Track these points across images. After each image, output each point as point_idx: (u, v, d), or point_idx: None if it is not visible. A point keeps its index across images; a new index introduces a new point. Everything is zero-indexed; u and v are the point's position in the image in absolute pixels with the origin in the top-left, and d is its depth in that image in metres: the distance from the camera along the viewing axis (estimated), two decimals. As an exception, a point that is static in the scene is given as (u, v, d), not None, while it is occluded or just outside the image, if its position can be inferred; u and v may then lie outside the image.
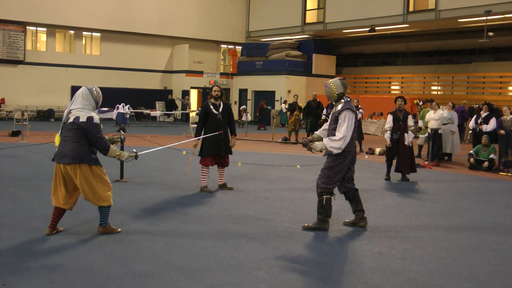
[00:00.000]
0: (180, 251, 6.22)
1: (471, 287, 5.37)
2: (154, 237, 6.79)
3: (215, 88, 10.20)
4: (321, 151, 7.35)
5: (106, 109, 29.17)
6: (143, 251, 6.16)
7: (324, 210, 7.35)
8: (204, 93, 35.09)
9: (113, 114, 27.72)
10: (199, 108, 10.45)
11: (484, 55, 30.96)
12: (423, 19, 28.48)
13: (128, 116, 28.13)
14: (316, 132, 7.86)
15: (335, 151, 7.18)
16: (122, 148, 10.28)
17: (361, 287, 5.24)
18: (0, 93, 31.05)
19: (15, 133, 19.85)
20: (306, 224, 7.51)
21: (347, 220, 7.84)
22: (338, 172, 7.32)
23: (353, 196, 7.65)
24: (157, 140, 18.23)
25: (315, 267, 5.86)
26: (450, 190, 11.49)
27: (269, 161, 13.90)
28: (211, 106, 10.04)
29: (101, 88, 7.20)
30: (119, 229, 6.95)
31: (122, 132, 7.20)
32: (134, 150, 6.97)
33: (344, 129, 7.13)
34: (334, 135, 7.22)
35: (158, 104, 34.93)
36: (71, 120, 6.48)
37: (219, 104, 10.11)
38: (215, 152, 9.97)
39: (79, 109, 6.49)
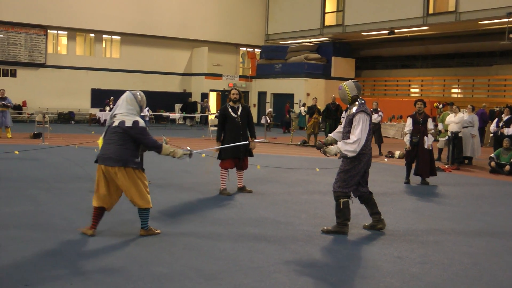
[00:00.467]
0: (199, 253, 6.24)
1: (492, 292, 5.32)
2: (173, 239, 6.82)
3: (233, 91, 10.20)
4: (335, 155, 7.33)
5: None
6: (162, 253, 6.19)
7: (343, 214, 7.31)
8: (223, 95, 35.19)
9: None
10: (218, 111, 10.44)
11: (505, 57, 30.62)
12: (443, 21, 28.25)
13: (147, 118, 28.30)
14: (330, 135, 7.82)
15: (350, 154, 7.14)
16: None
17: (380, 291, 5.21)
18: (21, 96, 31.41)
19: (36, 136, 20.05)
20: (325, 228, 7.49)
21: (366, 224, 7.80)
22: (354, 176, 7.28)
23: (368, 200, 7.61)
24: (175, 142, 18.32)
25: (334, 271, 5.84)
26: (471, 194, 11.39)
27: (288, 164, 13.89)
28: (230, 109, 10.03)
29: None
30: (158, 230, 7.06)
31: (164, 137, 7.26)
32: (188, 148, 7.07)
33: (359, 132, 7.09)
34: (349, 138, 7.18)
35: (178, 106, 35.08)
36: (115, 124, 6.59)
37: (238, 107, 10.10)
38: (234, 155, 9.97)
39: (124, 114, 6.61)
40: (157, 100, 34.27)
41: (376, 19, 30.81)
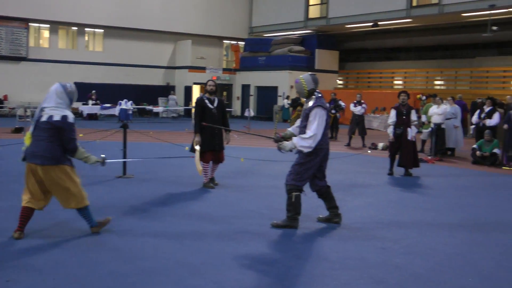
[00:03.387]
0: (183, 247, 6.23)
1: (474, 281, 5.37)
2: (157, 233, 6.79)
3: (210, 83, 10.16)
4: (290, 150, 7.23)
5: (108, 105, 29.23)
6: (146, 247, 6.17)
7: (294, 208, 7.18)
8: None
9: (116, 110, 27.76)
10: (195, 102, 10.34)
11: (487, 49, 30.79)
12: (426, 13, 28.38)
13: (130, 112, 28.12)
14: (289, 129, 7.68)
15: (305, 150, 7.03)
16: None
17: (364, 282, 5.23)
18: (3, 90, 31.06)
19: (18, 130, 19.85)
20: (275, 222, 7.33)
21: (321, 216, 7.72)
22: (309, 169, 7.17)
23: (326, 194, 7.52)
24: (160, 136, 18.25)
25: (320, 261, 5.86)
26: (454, 185, 11.48)
27: (272, 157, 13.87)
28: (206, 101, 10.00)
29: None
30: (110, 217, 6.80)
31: (103, 156, 6.85)
32: (102, 155, 6.66)
33: (315, 127, 6.97)
34: (305, 133, 7.10)
35: (161, 100, 34.93)
36: (44, 119, 6.17)
37: (214, 99, 10.08)
38: (211, 147, 9.95)
39: (53, 108, 6.21)
40: (140, 94, 34.13)
41: (360, 12, 30.84)
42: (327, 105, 7.31)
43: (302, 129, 7.21)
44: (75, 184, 6.31)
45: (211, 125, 9.63)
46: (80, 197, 6.35)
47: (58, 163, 6.17)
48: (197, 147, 9.80)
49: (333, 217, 7.58)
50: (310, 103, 7.18)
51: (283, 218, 7.34)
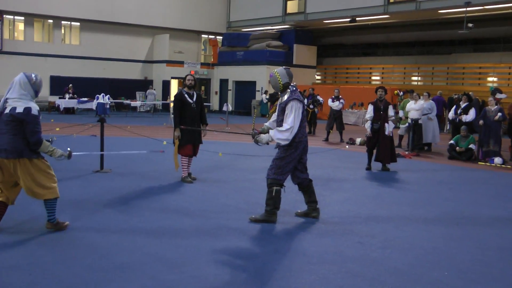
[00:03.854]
0: (161, 242, 6.19)
1: (450, 275, 5.41)
2: (134, 228, 6.75)
3: (188, 77, 10.13)
4: (267, 143, 7.24)
5: (86, 99, 28.96)
6: (123, 242, 6.12)
7: (273, 202, 7.19)
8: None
9: (93, 104, 27.53)
10: (174, 97, 10.28)
11: (463, 46, 31.13)
12: (403, 10, 28.57)
13: (108, 106, 27.91)
14: (265, 124, 7.69)
15: (282, 143, 7.05)
16: None
17: (342, 276, 5.25)
18: (-23, 83, 30.60)
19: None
20: (253, 216, 7.33)
21: (299, 211, 7.73)
22: (289, 163, 7.18)
23: (307, 187, 7.53)
24: (137, 130, 18.12)
25: (298, 255, 5.86)
26: (430, 180, 11.58)
27: (250, 151, 13.88)
28: (186, 95, 9.97)
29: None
30: (67, 222, 6.60)
31: (54, 138, 6.78)
32: (69, 149, 6.54)
33: (291, 120, 6.98)
34: (282, 126, 7.09)
35: (138, 94, 34.70)
36: (7, 111, 5.99)
37: (193, 93, 10.05)
38: (193, 141, 9.93)
39: (16, 99, 6.01)
40: (118, 88, 33.85)
41: (338, 7, 30.93)
42: (302, 98, 7.30)
43: (279, 123, 7.21)
44: (40, 176, 6.15)
45: (190, 128, 9.63)
46: (47, 189, 6.20)
47: (21, 156, 6.01)
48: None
49: (311, 212, 7.60)
50: (285, 97, 7.20)
51: (262, 212, 7.34)
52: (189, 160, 10.17)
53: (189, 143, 9.90)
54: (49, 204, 6.32)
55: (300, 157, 7.30)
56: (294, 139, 7.07)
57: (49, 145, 6.24)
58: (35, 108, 6.07)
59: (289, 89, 7.24)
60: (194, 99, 9.97)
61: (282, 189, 7.27)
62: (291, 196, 8.10)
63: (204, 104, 10.42)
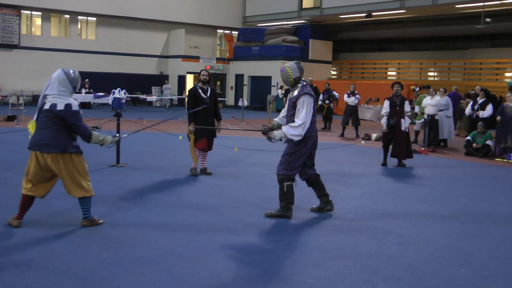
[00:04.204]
0: (176, 236, 6.21)
1: (466, 272, 5.38)
2: (149, 222, 6.78)
3: (203, 72, 10.15)
4: (280, 140, 7.20)
5: (102, 94, 29.10)
6: (138, 236, 6.15)
7: (286, 198, 7.17)
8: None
9: (109, 99, 27.65)
10: (188, 92, 10.32)
11: (481, 41, 30.86)
12: (420, 4, 28.34)
13: (124, 101, 28.01)
14: (275, 119, 7.65)
15: (295, 139, 7.01)
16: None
17: (357, 272, 5.23)
18: (-5, 78, 30.91)
19: (11, 118, 19.77)
20: (269, 212, 7.31)
21: (314, 206, 7.71)
22: (299, 158, 7.14)
23: (316, 182, 7.50)
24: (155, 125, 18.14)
25: (313, 251, 5.85)
26: (446, 176, 11.50)
27: (265, 146, 13.86)
28: (200, 90, 10.00)
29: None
30: (101, 220, 6.64)
31: (98, 128, 6.87)
32: (117, 135, 6.57)
33: (303, 115, 6.94)
34: (294, 121, 7.05)
35: (154, 89, 34.82)
36: (47, 107, 6.05)
37: (207, 89, 10.07)
38: (208, 135, 9.98)
39: (56, 96, 6.06)
40: (133, 83, 33.98)
41: (353, 2, 30.79)
42: (313, 92, 7.28)
43: (290, 118, 7.18)
44: (80, 173, 6.23)
45: (204, 127, 9.67)
46: (84, 187, 6.26)
47: (64, 151, 6.08)
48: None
49: (325, 205, 7.58)
50: (296, 92, 7.15)
51: (277, 208, 7.33)
52: (203, 154, 10.20)
53: (203, 137, 9.93)
54: (84, 202, 6.36)
55: (310, 153, 7.27)
56: (304, 134, 7.04)
57: (98, 135, 6.35)
58: (74, 104, 6.13)
59: (300, 83, 7.20)
60: (208, 94, 10.00)
61: (294, 183, 7.25)
62: (305, 191, 8.08)
63: (219, 99, 10.46)
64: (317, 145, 7.41)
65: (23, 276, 4.83)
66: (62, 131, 6.07)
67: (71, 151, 6.12)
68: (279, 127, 7.41)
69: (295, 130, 6.97)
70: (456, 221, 7.50)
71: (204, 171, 10.31)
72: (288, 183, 7.16)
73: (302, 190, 7.93)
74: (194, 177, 9.98)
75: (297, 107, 7.03)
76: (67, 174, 6.14)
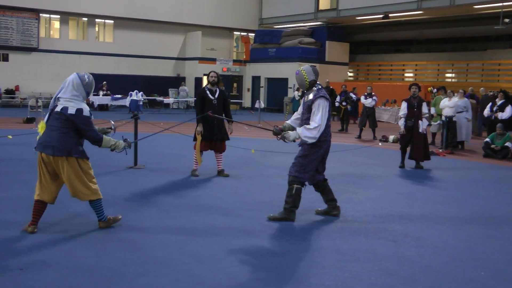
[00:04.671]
0: (194, 238, 6.24)
1: (486, 275, 5.34)
2: (167, 224, 6.81)
3: (211, 73, 10.20)
4: (294, 141, 7.18)
5: (119, 96, 29.30)
6: (156, 238, 6.18)
7: (293, 200, 7.14)
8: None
9: (127, 101, 27.82)
10: (196, 93, 10.39)
11: (499, 42, 30.60)
12: (437, 6, 28.18)
13: (141, 103, 28.17)
14: (287, 121, 7.64)
15: (310, 141, 6.98)
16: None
17: (375, 274, 5.22)
18: (14, 81, 31.19)
19: (30, 120, 19.96)
20: (272, 215, 7.26)
21: (319, 209, 7.67)
22: (312, 161, 7.12)
23: (323, 187, 7.47)
24: (169, 126, 18.22)
25: (331, 253, 5.85)
26: (465, 178, 11.43)
27: (282, 148, 13.86)
28: (207, 92, 10.05)
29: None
30: (120, 216, 6.70)
31: (113, 122, 6.89)
32: (127, 139, 6.58)
33: (319, 118, 6.92)
34: (309, 124, 7.03)
35: (171, 91, 34.96)
36: (58, 109, 6.03)
37: (215, 90, 10.11)
38: (208, 136, 10.00)
39: (68, 99, 6.03)
40: (150, 85, 34.15)
41: (370, 3, 30.70)
42: (328, 96, 7.27)
43: (305, 121, 7.17)
44: (85, 177, 6.19)
45: (216, 116, 9.65)
46: (91, 190, 6.24)
47: (69, 155, 6.04)
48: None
49: (332, 210, 7.55)
50: (311, 95, 7.14)
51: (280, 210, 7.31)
52: (216, 156, 10.26)
53: (203, 139, 9.98)
54: (95, 205, 6.36)
55: (323, 157, 7.24)
56: (319, 138, 7.03)
57: (110, 140, 6.33)
58: (86, 109, 6.10)
59: (315, 87, 7.20)
60: (216, 95, 10.03)
61: (303, 188, 7.23)
62: (318, 194, 8.06)
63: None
64: (330, 149, 7.39)
65: (43, 276, 4.88)
66: (70, 134, 6.04)
67: (76, 155, 6.08)
68: (290, 129, 7.42)
69: (310, 132, 6.96)
70: (475, 223, 7.45)
71: (221, 173, 10.34)
72: (298, 186, 7.15)
73: (316, 193, 7.90)
74: (211, 179, 10.01)
75: (313, 110, 7.03)
76: (71, 178, 6.10)
